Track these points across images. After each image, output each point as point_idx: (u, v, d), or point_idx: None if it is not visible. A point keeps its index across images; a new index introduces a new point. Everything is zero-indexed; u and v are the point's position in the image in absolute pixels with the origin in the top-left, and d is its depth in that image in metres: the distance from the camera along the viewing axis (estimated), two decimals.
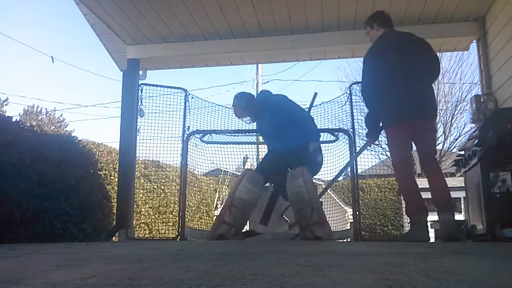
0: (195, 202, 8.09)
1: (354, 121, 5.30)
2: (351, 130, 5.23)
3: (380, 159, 17.71)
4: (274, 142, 4.22)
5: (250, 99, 4.35)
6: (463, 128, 17.56)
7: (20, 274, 1.32)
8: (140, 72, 5.85)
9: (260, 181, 4.03)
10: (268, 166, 4.16)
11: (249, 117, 4.36)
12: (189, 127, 5.35)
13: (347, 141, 5.13)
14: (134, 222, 5.90)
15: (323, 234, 3.76)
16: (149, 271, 1.31)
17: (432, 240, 5.53)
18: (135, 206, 6.11)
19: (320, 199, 4.40)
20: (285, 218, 4.57)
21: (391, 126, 3.63)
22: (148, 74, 6.03)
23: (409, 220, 3.78)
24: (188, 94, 5.50)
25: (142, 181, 7.36)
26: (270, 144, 4.39)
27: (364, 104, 3.87)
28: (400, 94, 3.50)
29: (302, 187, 3.82)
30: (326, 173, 5.55)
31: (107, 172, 6.28)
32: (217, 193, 10.36)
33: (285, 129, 4.08)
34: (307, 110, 4.79)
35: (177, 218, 5.41)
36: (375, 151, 18.05)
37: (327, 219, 4.83)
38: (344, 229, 5.94)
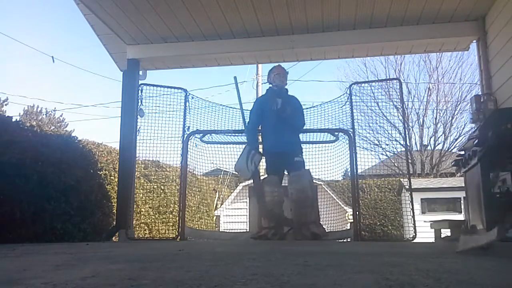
0: (195, 202, 8.09)
1: (354, 121, 5.30)
2: (351, 130, 5.22)
3: (380, 159, 17.76)
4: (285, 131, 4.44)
5: None
6: (463, 128, 17.59)
7: (20, 274, 1.32)
8: (140, 72, 5.85)
9: (276, 180, 4.39)
10: (276, 167, 4.45)
11: (281, 83, 4.61)
12: (189, 127, 5.34)
13: (347, 141, 5.13)
14: (134, 222, 5.90)
15: (320, 231, 4.17)
16: (149, 271, 1.31)
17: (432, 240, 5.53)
18: (135, 206, 6.10)
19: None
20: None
21: None
22: (148, 74, 6.03)
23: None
24: (188, 94, 5.49)
25: (142, 181, 7.36)
26: (277, 126, 4.45)
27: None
28: None
29: (307, 186, 4.23)
30: (326, 173, 5.56)
31: (107, 172, 6.28)
32: (217, 193, 10.36)
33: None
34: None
35: (177, 218, 5.40)
36: (375, 151, 18.09)
37: (327, 219, 4.88)
38: (344, 229, 5.93)
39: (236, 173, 4.61)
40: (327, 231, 5.36)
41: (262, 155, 4.52)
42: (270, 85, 4.73)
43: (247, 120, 4.78)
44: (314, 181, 4.57)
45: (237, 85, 5.21)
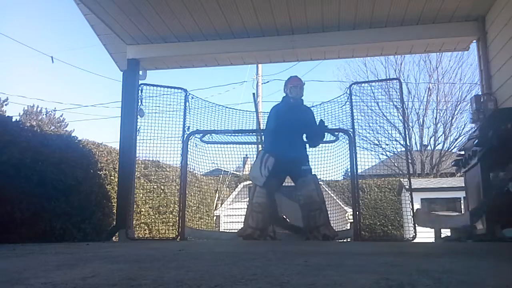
0: (195, 202, 8.08)
1: (354, 121, 5.30)
2: (351, 130, 5.22)
3: (380, 159, 17.76)
4: (295, 142, 4.54)
5: None
6: (463, 128, 17.59)
7: (20, 274, 1.32)
8: (140, 72, 5.84)
9: (274, 184, 4.42)
10: (277, 171, 4.44)
11: (298, 96, 4.61)
12: (189, 127, 5.34)
13: (347, 141, 5.13)
14: (134, 222, 5.90)
15: (330, 233, 4.24)
16: (149, 271, 1.31)
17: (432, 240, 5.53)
18: (135, 206, 6.10)
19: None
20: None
21: None
22: (148, 74, 6.03)
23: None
24: (188, 94, 5.49)
25: (142, 181, 7.35)
26: (286, 138, 4.50)
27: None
28: None
29: (314, 191, 4.33)
30: (326, 173, 5.56)
31: (107, 172, 6.28)
32: (217, 193, 10.36)
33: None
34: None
35: (177, 218, 5.40)
36: (375, 151, 18.09)
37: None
38: (344, 229, 5.93)
39: (251, 180, 4.61)
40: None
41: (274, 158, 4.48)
42: (285, 95, 4.71)
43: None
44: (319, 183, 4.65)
45: (255, 101, 5.44)
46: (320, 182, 4.73)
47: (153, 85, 5.49)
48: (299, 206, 4.41)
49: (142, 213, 7.23)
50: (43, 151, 4.54)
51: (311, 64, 29.33)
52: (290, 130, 4.50)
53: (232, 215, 11.22)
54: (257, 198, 4.36)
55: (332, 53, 6.02)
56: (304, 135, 4.67)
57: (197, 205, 8.54)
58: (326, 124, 4.81)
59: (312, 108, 5.25)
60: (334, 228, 4.65)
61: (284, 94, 4.73)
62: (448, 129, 18.72)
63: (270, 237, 4.55)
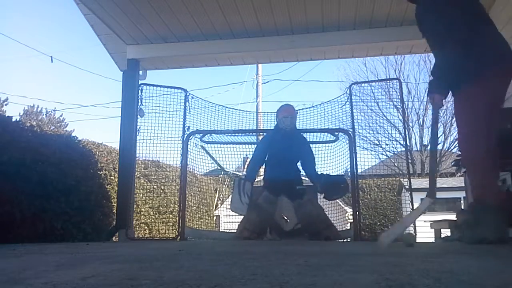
0: (195, 202, 8.08)
1: (354, 121, 5.31)
2: (351, 130, 5.23)
3: (380, 159, 17.78)
4: (290, 167, 4.63)
5: None
6: None
7: (20, 274, 1.32)
8: (140, 72, 5.85)
9: (274, 199, 4.49)
10: (278, 187, 4.56)
11: (289, 127, 4.58)
12: (189, 127, 5.35)
13: (347, 141, 5.13)
14: (134, 222, 5.90)
15: (332, 234, 4.33)
16: (149, 271, 1.31)
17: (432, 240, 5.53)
18: (135, 206, 6.10)
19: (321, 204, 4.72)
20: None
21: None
22: (148, 74, 6.03)
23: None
24: (188, 94, 5.50)
25: (142, 181, 7.35)
26: (282, 163, 4.60)
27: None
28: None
29: (312, 210, 4.42)
30: (326, 173, 5.56)
31: (107, 172, 6.28)
32: (217, 193, 10.36)
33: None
34: None
35: (177, 218, 5.40)
36: (375, 151, 18.11)
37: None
38: (344, 229, 5.94)
39: (235, 212, 4.70)
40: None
41: (252, 183, 4.60)
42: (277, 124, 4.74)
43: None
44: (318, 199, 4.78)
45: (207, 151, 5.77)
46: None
47: (153, 85, 5.50)
48: (298, 220, 4.48)
49: (142, 213, 7.24)
50: (43, 151, 4.54)
51: (311, 64, 29.41)
52: (282, 155, 4.57)
53: (232, 215, 11.20)
54: (262, 203, 4.40)
55: (332, 53, 6.02)
56: (299, 164, 4.72)
57: (197, 205, 8.53)
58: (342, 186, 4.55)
59: (312, 109, 5.27)
60: (336, 228, 4.69)
61: (276, 122, 4.76)
62: (448, 129, 18.75)
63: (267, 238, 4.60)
